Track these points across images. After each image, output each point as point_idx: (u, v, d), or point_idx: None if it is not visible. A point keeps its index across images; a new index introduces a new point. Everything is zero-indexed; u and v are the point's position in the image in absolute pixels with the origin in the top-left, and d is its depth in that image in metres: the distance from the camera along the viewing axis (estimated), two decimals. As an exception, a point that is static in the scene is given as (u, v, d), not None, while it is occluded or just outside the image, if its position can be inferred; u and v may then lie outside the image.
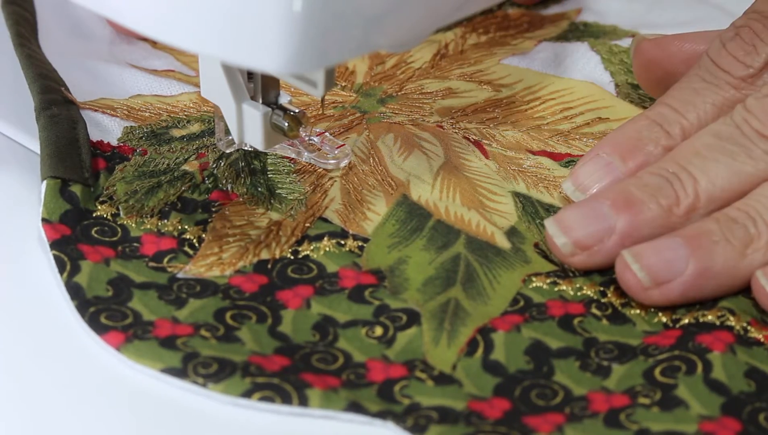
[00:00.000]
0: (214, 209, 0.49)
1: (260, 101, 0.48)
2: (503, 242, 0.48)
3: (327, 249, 0.48)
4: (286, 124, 0.47)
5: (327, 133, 0.51)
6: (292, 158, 0.51)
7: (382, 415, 0.41)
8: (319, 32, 0.39)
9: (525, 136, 0.54)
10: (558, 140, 0.54)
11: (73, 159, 0.50)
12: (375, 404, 0.41)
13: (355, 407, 0.41)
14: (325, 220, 0.49)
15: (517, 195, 0.51)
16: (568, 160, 0.53)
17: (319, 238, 0.48)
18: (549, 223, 0.46)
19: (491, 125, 0.55)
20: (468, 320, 0.44)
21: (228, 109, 0.47)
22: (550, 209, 0.50)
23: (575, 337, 0.44)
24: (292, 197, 0.50)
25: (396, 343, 0.44)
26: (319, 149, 0.51)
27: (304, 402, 0.41)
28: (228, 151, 0.51)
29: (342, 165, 0.51)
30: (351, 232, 0.48)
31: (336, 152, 0.51)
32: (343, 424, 0.41)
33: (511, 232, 0.49)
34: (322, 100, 0.50)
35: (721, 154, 0.46)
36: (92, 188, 0.49)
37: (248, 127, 0.48)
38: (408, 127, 0.54)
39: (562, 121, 0.55)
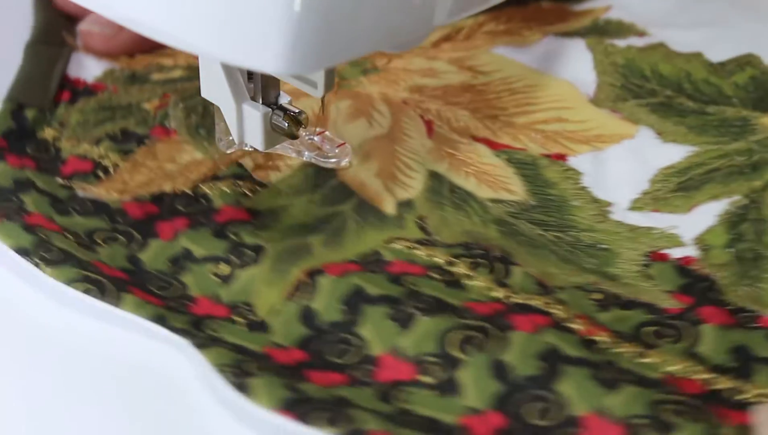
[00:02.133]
0: (147, 142, 0.53)
1: (260, 101, 0.48)
2: (391, 209, 0.49)
3: (224, 189, 0.50)
4: (286, 125, 0.48)
5: (327, 133, 0.51)
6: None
7: (182, 332, 0.42)
8: (319, 32, 0.39)
9: (478, 123, 0.55)
10: (507, 131, 0.55)
11: (40, 87, 0.55)
12: (181, 324, 0.43)
13: (161, 320, 0.43)
14: (241, 166, 0.52)
15: (433, 173, 0.52)
16: (503, 151, 0.53)
17: (223, 178, 0.51)
18: None
19: (452, 108, 0.56)
20: (303, 262, 0.46)
21: (228, 109, 0.48)
22: (456, 190, 0.51)
23: (398, 288, 0.44)
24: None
25: (235, 282, 0.45)
26: (320, 148, 0.51)
27: (117, 302, 0.43)
28: (228, 151, 0.52)
29: (342, 164, 0.51)
30: (256, 178, 0.51)
31: (336, 151, 0.51)
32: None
33: (405, 204, 0.50)
34: (323, 100, 0.50)
35: None
36: (48, 115, 0.54)
37: (248, 127, 0.48)
38: (373, 98, 0.56)
39: (520, 115, 0.56)
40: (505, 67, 0.59)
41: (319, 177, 0.51)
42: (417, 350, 0.42)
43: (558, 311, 0.44)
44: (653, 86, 0.57)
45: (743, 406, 0.41)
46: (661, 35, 0.60)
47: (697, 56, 0.58)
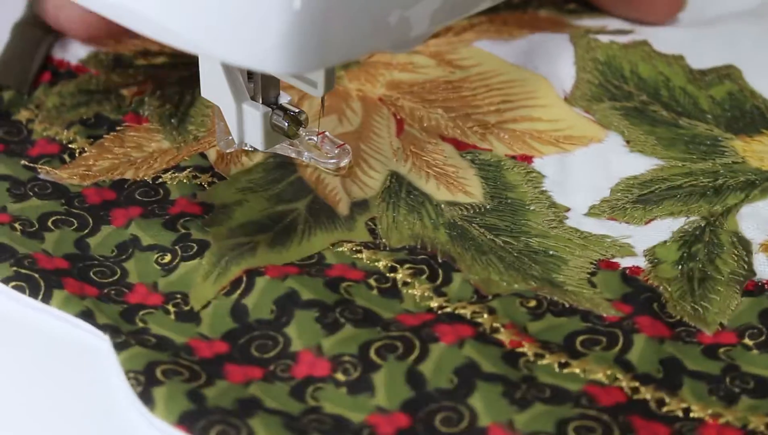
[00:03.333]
0: (118, 129, 0.54)
1: (260, 101, 0.48)
2: (344, 209, 0.50)
3: (182, 179, 0.51)
4: (286, 124, 0.48)
5: (327, 133, 0.51)
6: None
7: (107, 328, 0.43)
8: (319, 32, 0.39)
9: (449, 121, 0.55)
10: (476, 131, 0.54)
11: (20, 68, 0.55)
12: (108, 319, 0.44)
13: (87, 316, 0.44)
14: (204, 157, 0.52)
15: (393, 174, 0.52)
16: (469, 152, 0.53)
17: (184, 169, 0.51)
18: None
19: (426, 106, 0.56)
20: (245, 262, 0.46)
21: (228, 109, 0.48)
22: (413, 192, 0.51)
23: (332, 295, 0.45)
24: (193, 131, 0.53)
25: (175, 273, 0.46)
26: (319, 149, 0.51)
27: (47, 299, 0.45)
28: (227, 151, 0.52)
29: (342, 164, 0.51)
30: (217, 169, 0.51)
31: (336, 151, 0.51)
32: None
33: (360, 204, 0.50)
34: (322, 100, 0.50)
35: None
36: (26, 96, 0.55)
37: (248, 127, 0.48)
38: (349, 95, 0.56)
39: (493, 114, 0.55)
40: (485, 61, 0.58)
41: (278, 172, 0.51)
42: (336, 350, 0.43)
43: (486, 321, 0.44)
44: (630, 88, 0.56)
45: (665, 419, 0.41)
46: (646, 32, 0.59)
47: (679, 59, 0.57)
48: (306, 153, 0.50)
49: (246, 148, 0.50)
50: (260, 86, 0.47)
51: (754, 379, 0.43)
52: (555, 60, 0.58)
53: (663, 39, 0.59)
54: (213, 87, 0.47)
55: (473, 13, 0.46)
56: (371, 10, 0.40)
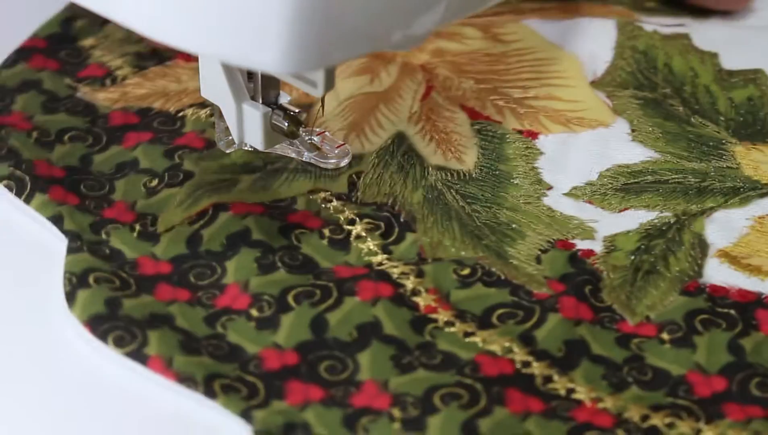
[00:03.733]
0: (166, 64, 0.58)
1: (260, 101, 0.48)
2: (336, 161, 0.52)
3: (200, 116, 0.54)
4: (286, 124, 0.49)
5: (327, 133, 0.53)
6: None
7: (68, 233, 0.47)
8: (319, 32, 0.39)
9: (474, 93, 0.57)
10: (496, 104, 0.56)
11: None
12: (75, 226, 0.48)
13: (58, 221, 0.48)
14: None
15: (398, 135, 0.54)
16: (479, 122, 0.55)
17: (206, 107, 0.55)
18: None
19: (460, 76, 0.58)
20: (218, 196, 0.49)
21: (228, 109, 0.48)
22: (408, 153, 0.53)
23: (281, 239, 0.47)
24: None
25: (155, 196, 0.50)
26: (319, 149, 0.52)
27: (28, 199, 0.49)
28: (228, 151, 0.53)
29: (342, 164, 0.52)
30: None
31: (336, 151, 0.52)
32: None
33: (354, 158, 0.52)
34: (322, 100, 0.51)
35: None
36: (96, 27, 0.60)
37: (248, 127, 0.48)
38: (391, 59, 0.59)
39: (518, 89, 0.57)
40: (527, 37, 0.60)
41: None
42: (260, 289, 0.46)
43: (410, 283, 0.46)
44: (657, 80, 0.56)
45: (544, 395, 0.42)
46: (692, 26, 0.59)
47: (713, 57, 0.57)
48: (306, 153, 0.52)
49: (246, 149, 0.52)
50: (260, 86, 0.48)
51: (653, 371, 0.43)
52: (595, 42, 0.59)
53: (705, 34, 0.58)
54: (213, 87, 0.48)
55: (478, 12, 0.47)
56: (371, 9, 0.41)
